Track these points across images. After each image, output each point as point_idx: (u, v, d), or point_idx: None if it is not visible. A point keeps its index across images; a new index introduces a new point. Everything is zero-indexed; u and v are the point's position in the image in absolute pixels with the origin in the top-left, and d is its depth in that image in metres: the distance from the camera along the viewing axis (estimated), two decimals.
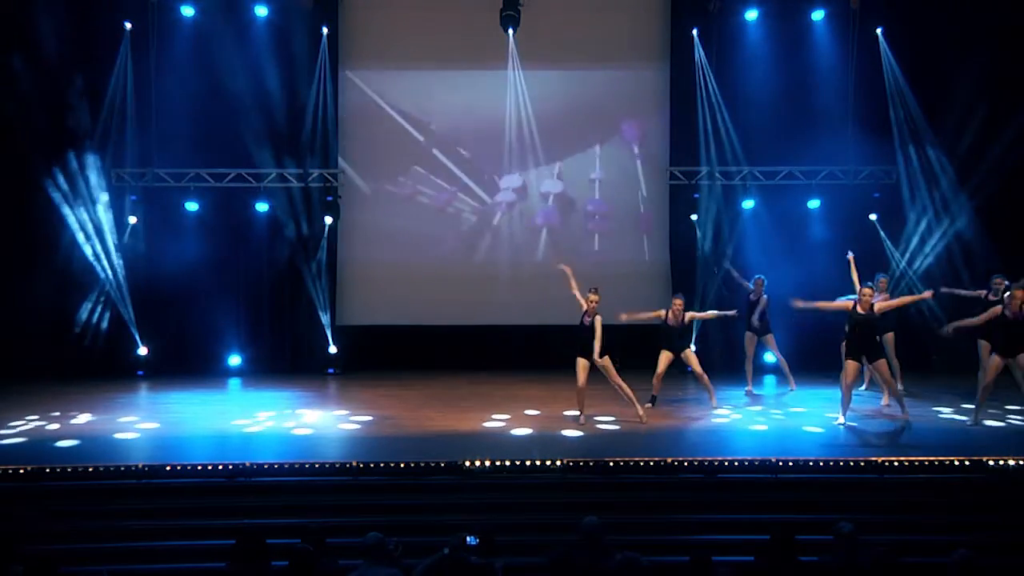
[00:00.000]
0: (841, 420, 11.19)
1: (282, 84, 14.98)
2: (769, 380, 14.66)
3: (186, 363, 15.11)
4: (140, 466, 9.31)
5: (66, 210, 14.65)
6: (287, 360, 15.63)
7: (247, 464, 9.32)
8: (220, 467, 9.25)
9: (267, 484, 9.24)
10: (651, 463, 9.36)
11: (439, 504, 8.95)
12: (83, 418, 11.69)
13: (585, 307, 11.46)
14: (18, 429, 11.07)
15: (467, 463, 9.32)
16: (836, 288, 14.83)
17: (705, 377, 12.33)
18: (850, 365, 11.23)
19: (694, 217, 15.70)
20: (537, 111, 15.68)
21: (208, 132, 14.91)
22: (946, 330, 11.41)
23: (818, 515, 8.24)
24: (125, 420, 11.60)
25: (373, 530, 6.54)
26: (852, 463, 9.40)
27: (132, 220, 15.12)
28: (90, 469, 9.22)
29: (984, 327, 11.24)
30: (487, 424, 11.35)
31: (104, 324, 14.92)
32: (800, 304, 11.47)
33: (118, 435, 10.80)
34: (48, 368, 14.51)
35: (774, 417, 11.91)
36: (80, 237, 14.76)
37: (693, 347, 13.39)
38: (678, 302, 12.45)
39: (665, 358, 12.33)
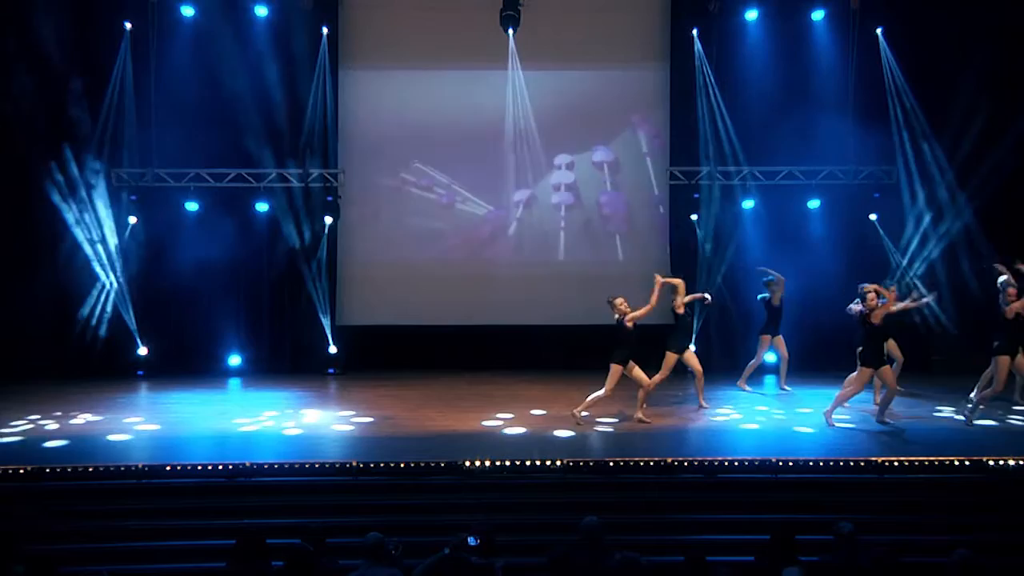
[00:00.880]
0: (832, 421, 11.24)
1: (282, 84, 14.98)
2: (769, 380, 14.65)
3: (186, 363, 15.11)
4: (140, 466, 9.32)
5: (66, 210, 14.65)
6: (287, 360, 15.63)
7: (247, 464, 9.32)
8: (220, 467, 9.25)
9: (267, 484, 9.24)
10: (651, 463, 9.36)
11: (439, 504, 8.94)
12: (83, 418, 11.69)
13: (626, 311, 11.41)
14: (18, 429, 11.07)
15: (467, 463, 9.32)
16: (836, 288, 14.91)
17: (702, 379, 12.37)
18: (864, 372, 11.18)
19: (694, 217, 15.70)
20: (537, 111, 15.68)
21: (208, 132, 14.90)
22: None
23: (818, 515, 8.24)
24: (125, 420, 11.59)
25: (373, 530, 6.55)
26: (852, 463, 9.40)
27: (132, 220, 15.12)
28: (90, 469, 9.22)
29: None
30: (487, 424, 11.35)
31: (104, 324, 14.91)
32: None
33: (118, 436, 10.79)
34: (48, 368, 14.51)
35: (775, 417, 11.91)
36: (80, 237, 14.76)
37: (692, 347, 13.36)
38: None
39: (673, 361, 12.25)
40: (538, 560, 6.66)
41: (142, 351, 15.18)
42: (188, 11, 14.87)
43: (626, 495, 9.14)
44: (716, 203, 15.55)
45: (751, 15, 15.39)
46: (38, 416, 11.68)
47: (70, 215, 14.69)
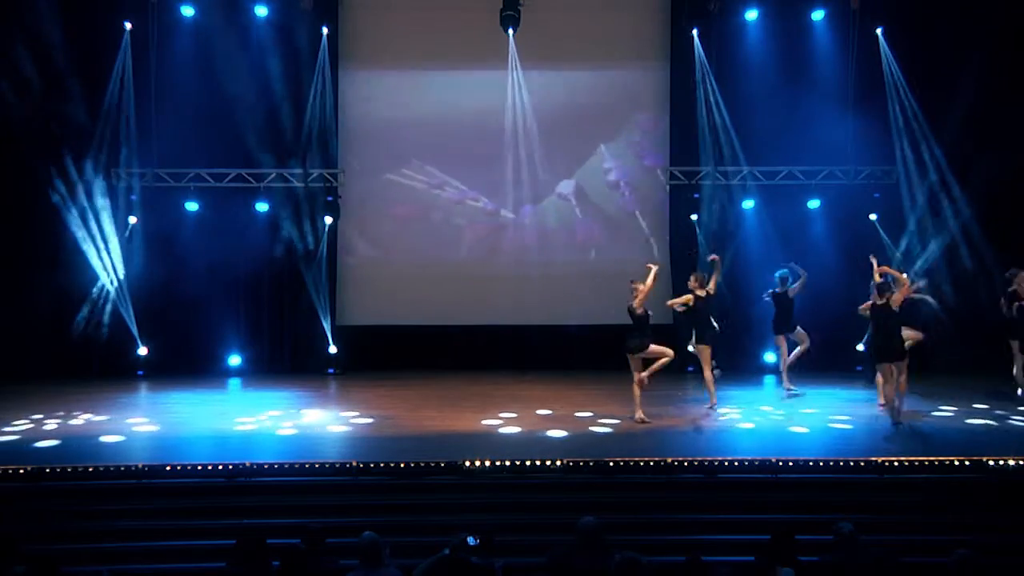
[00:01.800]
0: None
1: (282, 84, 14.99)
2: (769, 380, 14.66)
3: (186, 363, 15.11)
4: (140, 466, 9.31)
5: (66, 210, 14.65)
6: (287, 360, 15.65)
7: (247, 464, 9.31)
8: (220, 467, 9.24)
9: (267, 484, 9.23)
10: (651, 463, 9.36)
11: (439, 504, 8.94)
12: (84, 418, 11.68)
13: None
14: (19, 429, 11.06)
15: (467, 463, 9.31)
16: (836, 288, 14.93)
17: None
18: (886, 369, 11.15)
19: (694, 217, 15.70)
20: (537, 111, 15.69)
21: (208, 132, 14.91)
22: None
23: (818, 515, 8.24)
24: (125, 420, 11.59)
25: (373, 530, 6.54)
26: (852, 463, 9.39)
27: (132, 220, 15.13)
28: (90, 469, 9.21)
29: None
30: (487, 424, 11.35)
31: (104, 324, 14.91)
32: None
33: (118, 436, 10.78)
34: (48, 368, 14.51)
35: (772, 417, 11.91)
36: (80, 237, 14.76)
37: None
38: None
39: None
40: (538, 560, 6.65)
41: (142, 351, 15.18)
42: (188, 11, 14.88)
43: (626, 495, 9.13)
44: (716, 203, 15.55)
45: (751, 15, 15.39)
46: (40, 416, 11.67)
47: (70, 215, 14.69)
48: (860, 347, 15.27)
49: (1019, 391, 12.33)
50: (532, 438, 10.64)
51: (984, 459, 9.37)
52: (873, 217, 15.52)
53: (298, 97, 15.16)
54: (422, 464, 9.36)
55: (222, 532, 8.04)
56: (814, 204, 15.64)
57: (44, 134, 14.39)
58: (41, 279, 14.68)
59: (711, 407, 12.10)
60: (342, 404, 12.87)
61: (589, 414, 11.78)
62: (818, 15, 15.33)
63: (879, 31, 15.12)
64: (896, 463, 9.34)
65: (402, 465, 9.34)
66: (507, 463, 9.33)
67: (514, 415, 11.77)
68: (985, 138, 14.47)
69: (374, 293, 15.98)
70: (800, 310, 14.63)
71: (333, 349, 15.47)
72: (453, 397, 13.14)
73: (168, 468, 9.31)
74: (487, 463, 9.32)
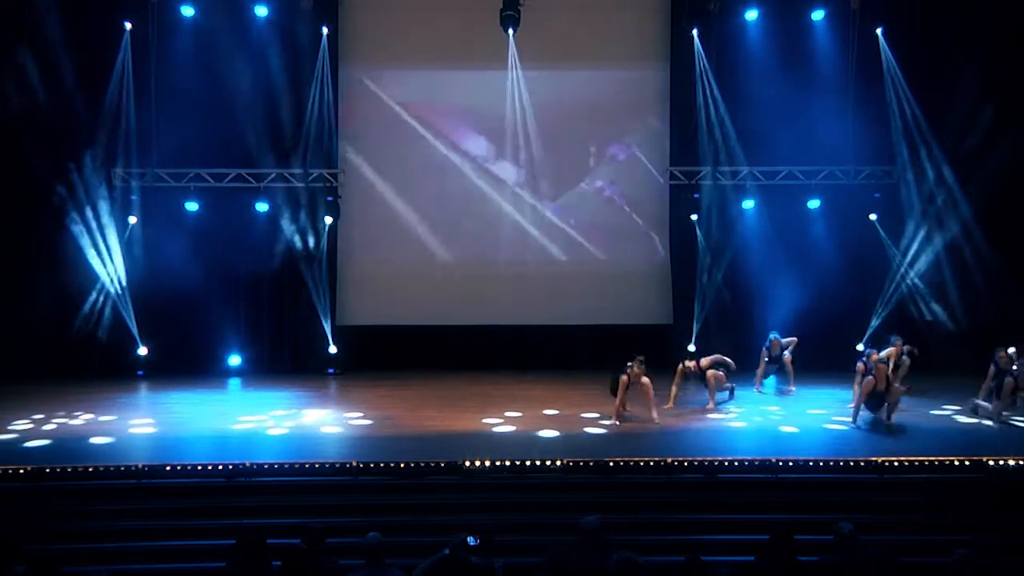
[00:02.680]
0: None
1: (282, 84, 15.00)
2: (769, 381, 14.65)
3: (186, 363, 15.10)
4: (140, 466, 9.32)
5: (66, 210, 14.64)
6: (287, 360, 15.64)
7: (247, 464, 9.32)
8: (220, 467, 9.25)
9: (267, 484, 9.24)
10: (651, 463, 9.36)
11: (439, 504, 8.94)
12: (84, 418, 11.69)
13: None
14: (20, 429, 11.07)
15: (467, 463, 9.32)
16: (836, 288, 14.93)
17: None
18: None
19: (694, 217, 15.70)
20: (537, 111, 15.69)
21: (208, 132, 14.89)
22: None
23: (818, 515, 8.24)
24: (125, 420, 11.59)
25: (373, 530, 6.54)
26: (852, 463, 9.40)
27: (132, 220, 15.13)
28: (90, 469, 9.22)
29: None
30: (487, 424, 11.35)
31: (104, 324, 14.91)
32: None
33: (118, 436, 10.79)
34: (49, 368, 14.50)
35: (772, 418, 11.91)
36: (80, 237, 14.75)
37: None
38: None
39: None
40: (538, 560, 6.66)
41: (142, 351, 15.18)
42: (188, 11, 14.88)
43: (626, 495, 9.14)
44: (716, 203, 15.55)
45: (751, 15, 15.39)
46: (41, 416, 11.68)
47: (71, 215, 14.68)
48: (860, 347, 15.27)
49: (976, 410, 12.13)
50: (532, 438, 10.64)
51: (984, 459, 9.39)
52: (873, 217, 15.52)
53: (298, 97, 15.16)
54: (422, 464, 9.37)
55: (222, 532, 8.05)
56: (814, 204, 15.64)
57: (44, 134, 14.37)
58: (41, 279, 14.68)
59: (708, 408, 12.21)
60: (342, 404, 12.87)
61: (590, 415, 11.77)
62: (818, 15, 15.32)
63: (879, 31, 15.13)
64: (896, 463, 9.35)
65: (402, 465, 9.35)
66: (507, 463, 9.34)
67: (514, 415, 11.78)
68: (985, 138, 14.46)
69: (374, 293, 15.99)
70: (800, 310, 14.74)
71: (333, 349, 15.47)
72: (453, 397, 13.14)
73: (168, 468, 9.32)
74: (487, 463, 9.33)
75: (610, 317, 15.58)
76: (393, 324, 15.80)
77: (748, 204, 15.66)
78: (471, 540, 6.42)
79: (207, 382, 14.45)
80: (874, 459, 9.42)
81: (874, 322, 15.23)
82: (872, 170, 15.54)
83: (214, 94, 14.64)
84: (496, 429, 11.11)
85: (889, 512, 8.80)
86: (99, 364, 14.91)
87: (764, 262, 15.20)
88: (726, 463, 9.39)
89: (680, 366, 12.57)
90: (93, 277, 14.89)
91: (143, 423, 11.47)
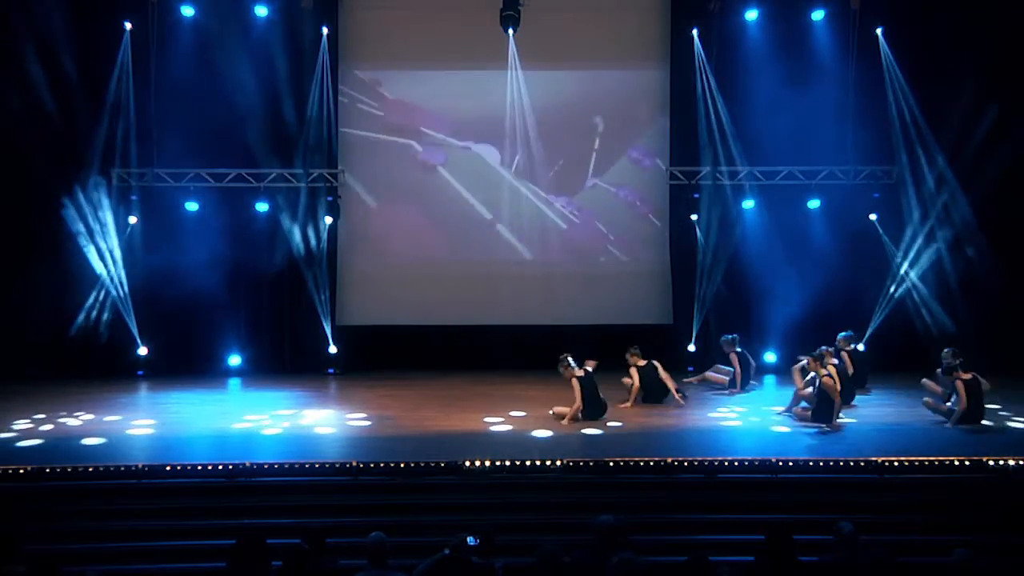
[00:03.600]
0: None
1: (282, 84, 14.98)
2: (769, 380, 14.67)
3: (186, 363, 15.10)
4: (140, 466, 9.32)
5: (66, 210, 14.64)
6: (287, 360, 15.62)
7: (247, 464, 9.32)
8: (220, 467, 9.25)
9: (267, 484, 9.25)
10: (651, 463, 9.37)
11: (439, 504, 8.95)
12: (84, 418, 11.69)
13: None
14: (20, 429, 11.07)
15: (467, 463, 9.32)
16: (836, 288, 14.92)
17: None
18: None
19: (694, 217, 15.70)
20: (537, 111, 15.68)
21: (208, 132, 14.89)
22: None
23: (818, 515, 8.24)
24: (124, 420, 11.60)
25: (373, 530, 6.54)
26: (852, 463, 9.40)
27: (132, 220, 15.12)
28: (90, 469, 9.23)
29: None
30: (487, 424, 11.35)
31: (104, 324, 14.90)
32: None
33: (118, 435, 10.79)
34: (49, 368, 14.50)
35: (773, 418, 11.91)
36: (80, 237, 14.75)
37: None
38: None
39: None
40: (529, 560, 6.66)
41: (142, 351, 15.18)
42: (188, 11, 14.86)
43: (626, 495, 9.14)
44: (716, 203, 15.55)
45: (751, 15, 15.37)
46: (42, 416, 11.69)
47: (71, 215, 14.67)
48: (860, 347, 15.27)
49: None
50: (531, 438, 10.64)
51: (984, 459, 9.39)
52: (873, 217, 15.52)
53: (298, 97, 15.14)
54: (422, 464, 9.38)
55: (222, 532, 8.06)
56: (814, 204, 15.63)
57: (44, 134, 14.37)
58: (41, 279, 14.67)
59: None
60: (342, 404, 12.86)
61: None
62: (818, 15, 15.31)
63: (879, 31, 15.12)
64: (896, 463, 9.35)
65: (402, 465, 9.35)
66: (507, 463, 9.34)
67: (514, 415, 11.78)
68: (985, 138, 14.46)
69: (374, 293, 15.98)
70: (800, 310, 14.73)
71: (333, 349, 15.47)
72: (453, 397, 13.14)
73: (168, 468, 9.33)
74: (487, 463, 9.33)
75: (610, 317, 15.57)
76: (393, 324, 15.80)
77: (748, 204, 15.65)
78: (471, 540, 6.43)
79: (207, 382, 14.45)
80: (874, 459, 9.42)
81: (874, 322, 15.25)
82: (872, 170, 15.53)
83: (214, 94, 14.63)
84: (500, 430, 11.10)
85: (889, 512, 8.81)
86: (99, 364, 14.90)
87: (764, 262, 15.19)
88: (726, 463, 9.39)
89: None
90: (93, 277, 14.88)
91: (143, 423, 11.47)
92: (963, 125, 14.59)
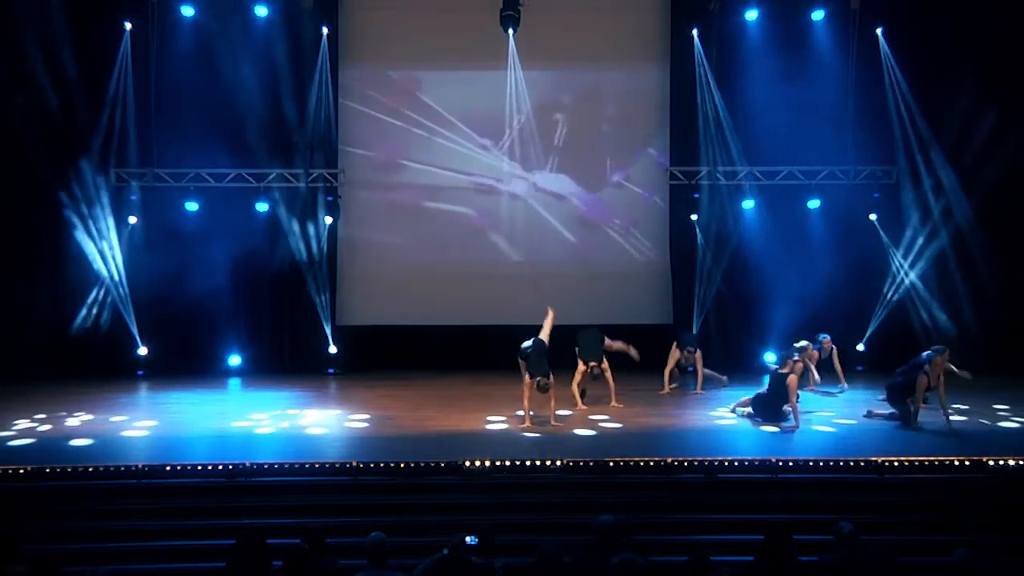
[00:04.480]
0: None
1: (282, 84, 14.99)
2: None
3: (186, 363, 15.09)
4: (140, 466, 9.31)
5: (66, 210, 14.64)
6: (287, 360, 15.63)
7: (247, 464, 9.31)
8: (220, 467, 9.24)
9: (267, 484, 9.24)
10: (651, 463, 9.36)
11: (439, 504, 8.94)
12: (83, 418, 11.68)
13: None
14: (20, 429, 11.06)
15: (467, 463, 9.31)
16: (835, 288, 14.93)
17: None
18: None
19: (694, 217, 15.70)
20: (537, 111, 15.70)
21: (208, 132, 14.89)
22: None
23: (818, 515, 8.24)
24: (125, 420, 11.59)
25: (373, 530, 6.54)
26: (852, 463, 9.40)
27: (132, 220, 15.13)
28: (90, 469, 9.21)
29: None
30: (487, 424, 11.35)
31: (104, 324, 14.91)
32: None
33: (119, 435, 10.79)
34: (49, 368, 14.50)
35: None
36: (80, 237, 14.75)
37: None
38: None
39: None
40: (529, 560, 6.66)
41: (142, 351, 15.18)
42: (188, 11, 14.87)
43: (626, 495, 9.13)
44: (716, 203, 15.55)
45: (751, 15, 15.38)
46: (42, 416, 11.67)
47: (71, 215, 14.68)
48: (860, 347, 15.31)
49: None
50: (531, 438, 10.64)
51: (984, 459, 9.38)
52: (873, 217, 15.53)
53: (298, 97, 15.14)
54: (422, 464, 9.37)
55: (222, 532, 8.05)
56: (814, 204, 15.64)
57: (44, 133, 14.37)
58: (41, 279, 14.68)
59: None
60: (342, 404, 12.86)
61: (595, 416, 11.77)
62: (818, 15, 15.32)
63: (879, 31, 15.13)
64: (896, 463, 9.35)
65: (402, 465, 9.34)
66: (507, 463, 9.34)
67: (514, 415, 11.76)
68: (985, 138, 14.46)
69: (374, 293, 15.98)
70: (799, 310, 14.73)
71: (333, 349, 15.47)
72: (453, 397, 13.14)
73: (168, 468, 9.31)
74: (487, 463, 9.32)
75: (610, 317, 15.51)
76: (393, 324, 15.80)
77: (748, 204, 15.66)
78: (471, 540, 6.42)
79: (207, 382, 14.45)
80: (874, 459, 9.41)
81: (874, 322, 15.25)
82: (872, 170, 15.54)
83: (214, 94, 14.64)
84: (500, 430, 11.09)
85: (889, 512, 8.80)
86: (99, 364, 14.90)
87: (764, 262, 15.19)
88: (726, 463, 9.39)
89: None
90: (93, 277, 14.88)
91: (143, 423, 11.46)
92: (963, 125, 14.60)
